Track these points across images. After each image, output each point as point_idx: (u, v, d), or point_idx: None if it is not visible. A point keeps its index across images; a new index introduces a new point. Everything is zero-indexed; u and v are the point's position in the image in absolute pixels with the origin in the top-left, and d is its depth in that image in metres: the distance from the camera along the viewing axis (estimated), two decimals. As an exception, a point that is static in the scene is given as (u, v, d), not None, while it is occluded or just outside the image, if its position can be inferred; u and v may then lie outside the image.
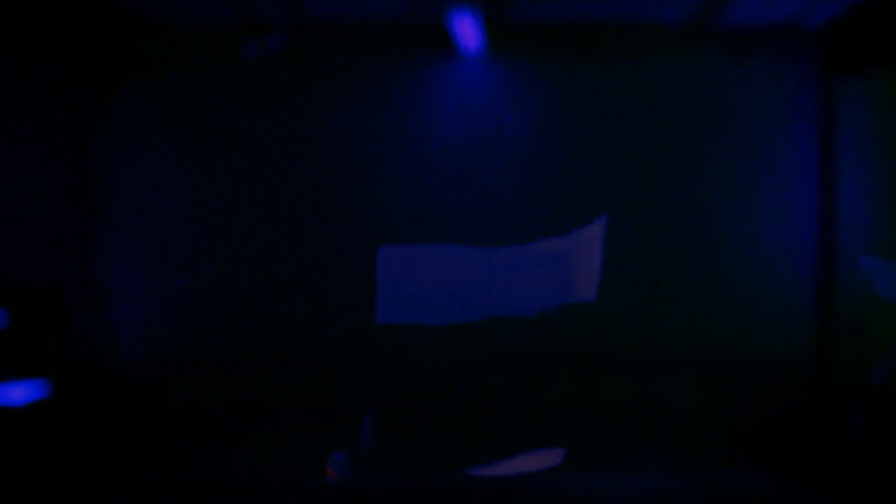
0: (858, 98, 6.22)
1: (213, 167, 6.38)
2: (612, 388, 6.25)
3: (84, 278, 6.35)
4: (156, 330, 6.40)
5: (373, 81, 6.35)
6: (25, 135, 6.07)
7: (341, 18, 6.10)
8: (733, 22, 6.09)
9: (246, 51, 5.76)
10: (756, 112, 6.27)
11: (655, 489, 5.79)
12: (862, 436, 5.70)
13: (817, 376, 6.26)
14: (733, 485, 5.92)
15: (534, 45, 6.33)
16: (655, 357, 6.25)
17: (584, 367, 6.25)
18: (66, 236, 6.40)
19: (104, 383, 6.29)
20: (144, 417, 6.42)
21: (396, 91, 6.31)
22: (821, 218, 6.25)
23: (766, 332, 6.29)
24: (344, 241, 6.30)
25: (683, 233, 6.31)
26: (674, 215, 6.32)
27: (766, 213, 6.31)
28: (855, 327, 6.13)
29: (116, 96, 6.42)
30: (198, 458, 5.86)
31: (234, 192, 6.04)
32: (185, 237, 6.16)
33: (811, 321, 6.26)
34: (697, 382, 6.27)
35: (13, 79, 5.83)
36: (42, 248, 6.35)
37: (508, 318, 6.18)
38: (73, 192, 6.42)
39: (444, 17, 5.69)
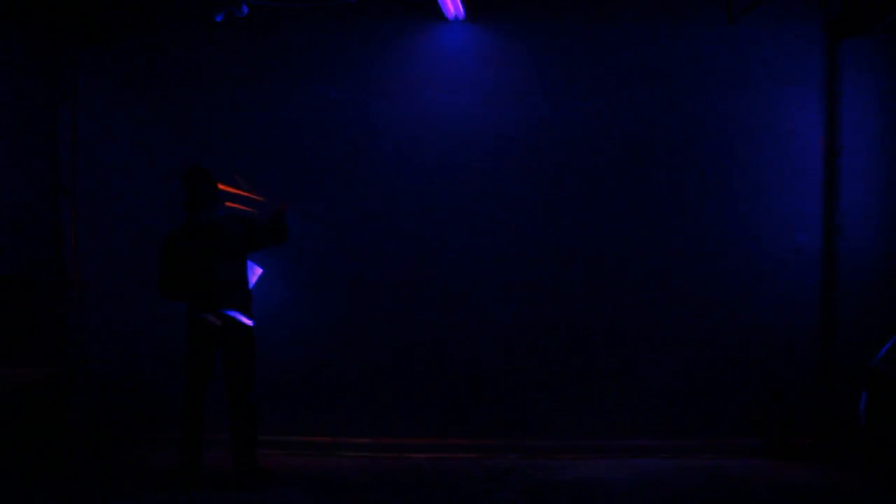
0: (863, 60, 5.95)
1: (191, 146, 6.10)
2: (607, 365, 6.03)
3: (54, 266, 6.11)
4: (129, 320, 6.18)
5: (351, 47, 6.08)
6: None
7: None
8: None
9: (217, 14, 5.50)
10: (756, 75, 5.99)
11: (652, 472, 5.62)
12: (867, 416, 5.52)
13: (822, 355, 6.03)
14: (734, 467, 5.75)
15: (521, 7, 6.05)
16: (652, 333, 5.99)
17: (578, 340, 6.03)
18: (34, 222, 6.16)
19: (73, 374, 6.07)
20: (114, 411, 6.24)
21: (376, 56, 6.05)
22: (825, 187, 5.99)
23: (769, 308, 6.04)
24: (327, 215, 6.06)
25: (681, 202, 6.05)
26: (671, 186, 6.05)
27: (767, 183, 6.04)
28: (862, 303, 5.90)
29: (85, 68, 6.13)
30: (170, 452, 5.64)
31: (212, 171, 5.75)
32: (161, 221, 5.88)
33: (816, 297, 6.02)
34: (696, 359, 6.01)
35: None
36: (9, 234, 6.12)
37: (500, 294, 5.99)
38: (40, 173, 6.15)
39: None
